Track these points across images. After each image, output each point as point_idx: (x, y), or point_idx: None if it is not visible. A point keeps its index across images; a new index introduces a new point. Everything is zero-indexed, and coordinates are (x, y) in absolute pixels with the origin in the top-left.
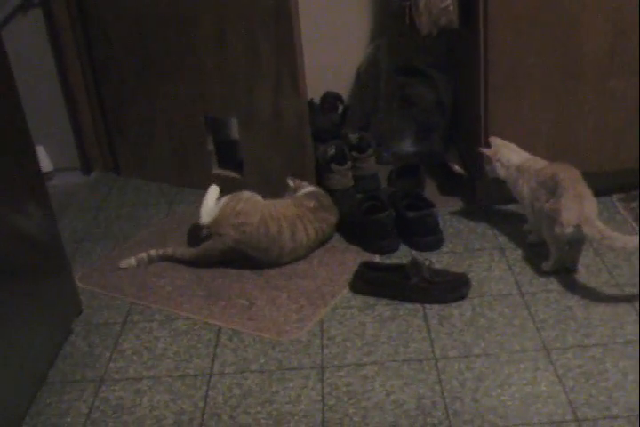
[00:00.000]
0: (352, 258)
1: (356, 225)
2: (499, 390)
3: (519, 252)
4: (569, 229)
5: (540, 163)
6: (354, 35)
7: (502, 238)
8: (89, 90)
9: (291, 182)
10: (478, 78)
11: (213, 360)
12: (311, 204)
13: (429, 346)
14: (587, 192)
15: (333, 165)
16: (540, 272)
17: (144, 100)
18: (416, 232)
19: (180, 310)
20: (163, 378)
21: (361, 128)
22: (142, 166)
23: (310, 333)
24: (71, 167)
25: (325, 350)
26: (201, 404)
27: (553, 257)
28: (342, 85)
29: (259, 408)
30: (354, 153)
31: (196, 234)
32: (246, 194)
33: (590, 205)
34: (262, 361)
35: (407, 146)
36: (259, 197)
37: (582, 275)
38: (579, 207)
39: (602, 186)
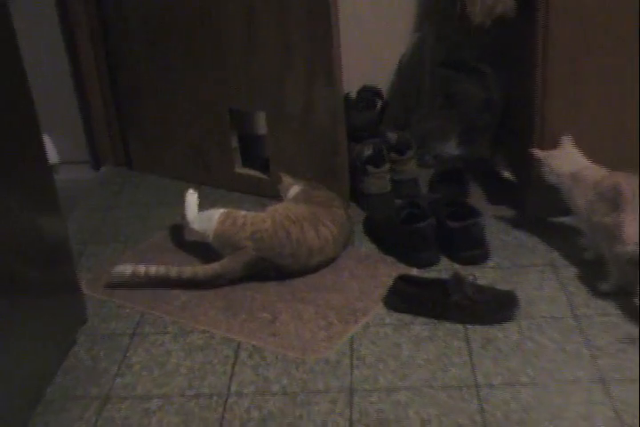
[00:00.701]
0: (387, 271)
1: (392, 234)
2: (547, 425)
3: (573, 270)
4: (631, 247)
5: (599, 172)
6: (396, 23)
7: (555, 254)
8: (102, 76)
9: (285, 179)
10: (534, 76)
11: (231, 379)
12: (319, 197)
13: (470, 372)
14: None
15: (370, 167)
16: (597, 293)
17: (163, 90)
18: (459, 244)
19: (195, 323)
20: (174, 397)
21: (401, 127)
22: (158, 162)
23: (339, 352)
24: (79, 160)
25: (355, 372)
26: None
27: (612, 277)
28: (381, 79)
29: None
30: (392, 154)
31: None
32: (237, 211)
33: None
34: (285, 382)
35: (451, 148)
36: (251, 213)
37: None
38: None
39: None
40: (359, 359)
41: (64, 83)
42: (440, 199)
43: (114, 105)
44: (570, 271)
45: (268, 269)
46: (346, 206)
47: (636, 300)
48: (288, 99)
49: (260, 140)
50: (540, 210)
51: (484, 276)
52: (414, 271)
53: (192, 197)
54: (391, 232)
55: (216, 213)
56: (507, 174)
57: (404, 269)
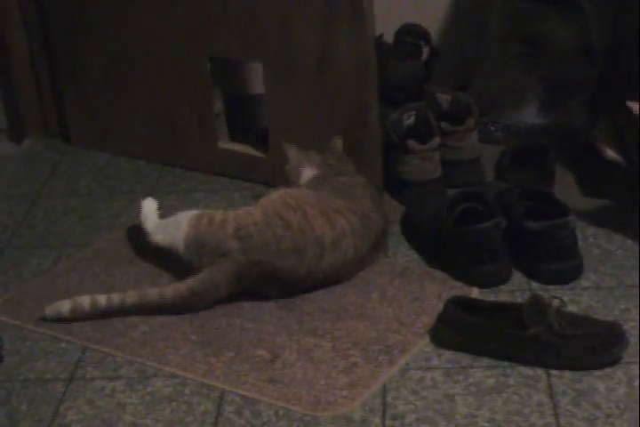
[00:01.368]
0: (435, 290)
1: (442, 239)
2: None
3: None
4: None
5: None
6: None
7: None
8: (27, 13)
9: (292, 154)
10: None
11: None
12: (342, 184)
13: None
14: None
15: (411, 143)
16: None
17: (115, 33)
18: (540, 254)
19: (160, 363)
20: None
21: (457, 86)
22: (107, 134)
23: (366, 407)
24: None
25: None
26: None
27: None
28: (429, 16)
29: None
30: (444, 124)
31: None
32: (215, 211)
33: None
34: None
35: (529, 116)
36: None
37: None
38: None
39: None
40: (395, 418)
41: None
42: (513, 189)
43: (45, 53)
44: None
45: (265, 280)
46: (379, 198)
47: None
48: (295, 44)
49: (254, 104)
50: None
51: (575, 299)
52: (475, 293)
53: (150, 205)
54: (441, 236)
55: (185, 217)
56: (611, 154)
57: (459, 290)
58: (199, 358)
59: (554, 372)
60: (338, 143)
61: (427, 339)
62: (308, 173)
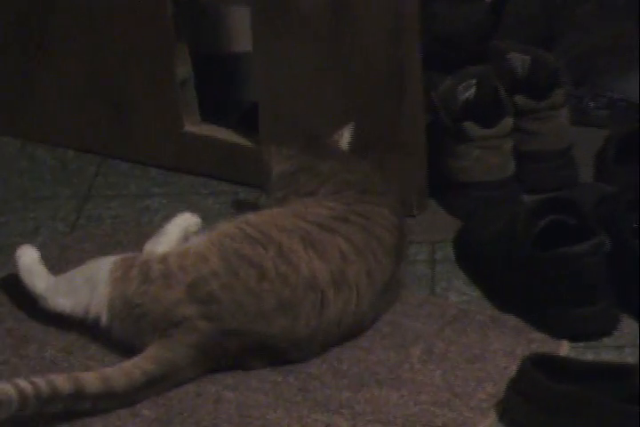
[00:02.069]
0: (504, 345)
1: (517, 268)
2: None
3: None
4: None
5: None
6: None
7: None
8: None
9: (276, 160)
10: None
11: None
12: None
13: None
14: None
15: (470, 126)
16: None
17: None
18: None
19: None
20: None
21: (538, 42)
22: (18, 111)
23: None
24: None
25: None
26: None
27: None
28: None
29: None
30: (519, 98)
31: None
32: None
33: None
34: None
35: None
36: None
37: None
38: None
39: None
40: None
41: None
42: (620, 196)
43: None
44: None
45: (248, 353)
46: (396, 207)
47: None
48: None
49: (237, 68)
50: None
51: None
52: (564, 349)
53: (29, 255)
54: (514, 264)
55: (102, 267)
56: None
57: (541, 344)
58: None
59: None
60: (345, 136)
61: (492, 417)
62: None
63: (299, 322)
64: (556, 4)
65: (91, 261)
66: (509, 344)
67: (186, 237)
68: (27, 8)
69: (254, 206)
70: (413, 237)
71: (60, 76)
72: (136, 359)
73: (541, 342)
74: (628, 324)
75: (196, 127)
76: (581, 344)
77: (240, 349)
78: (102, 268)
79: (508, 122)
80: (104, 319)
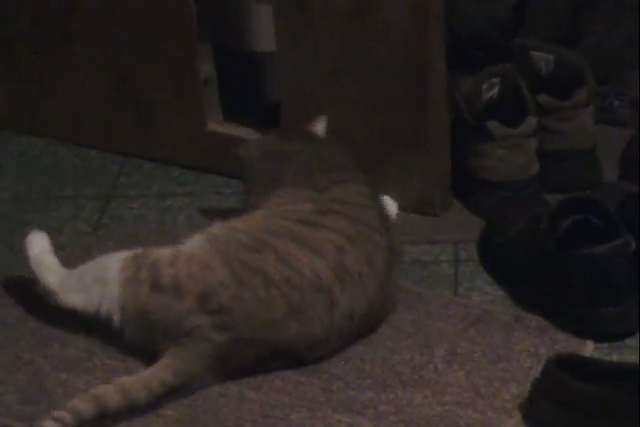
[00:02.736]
0: (528, 345)
1: (541, 269)
2: None
3: None
4: None
5: None
6: None
7: None
8: None
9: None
10: None
11: None
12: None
13: None
14: None
15: (494, 125)
16: None
17: None
18: None
19: None
20: None
21: (561, 40)
22: (40, 110)
23: None
24: None
25: None
26: None
27: None
28: None
29: None
30: (543, 97)
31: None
32: (153, 250)
33: None
34: None
35: None
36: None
37: None
38: None
39: None
40: None
41: None
42: None
43: None
44: None
45: (264, 359)
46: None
47: None
48: None
49: (260, 66)
50: None
51: None
52: (589, 349)
53: (40, 243)
54: (538, 264)
55: (113, 264)
56: None
57: (566, 344)
58: None
59: None
60: (320, 125)
61: (516, 417)
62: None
63: (312, 324)
64: (579, 2)
65: (100, 257)
66: (533, 344)
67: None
68: (49, 7)
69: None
70: (437, 236)
71: (83, 75)
72: (153, 370)
73: (565, 343)
74: None
75: (218, 126)
76: (605, 345)
77: (256, 356)
78: (112, 266)
79: (532, 121)
80: (116, 320)
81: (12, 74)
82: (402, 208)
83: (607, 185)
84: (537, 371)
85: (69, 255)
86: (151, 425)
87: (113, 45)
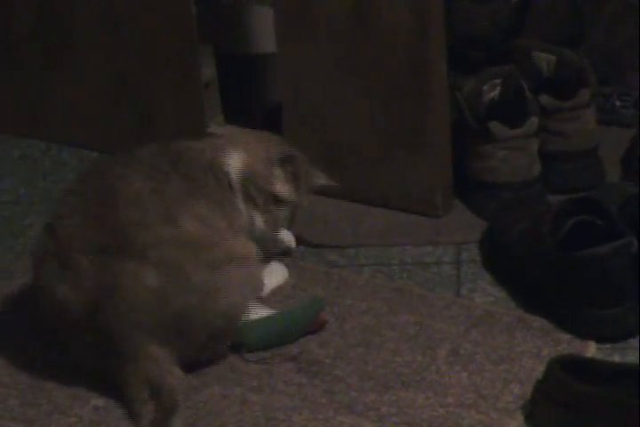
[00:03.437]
0: (531, 346)
1: (543, 269)
2: None
3: None
4: None
5: None
6: None
7: None
8: None
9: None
10: None
11: None
12: None
13: None
14: None
15: (496, 126)
16: None
17: None
18: None
19: None
20: None
21: (563, 41)
22: (42, 113)
23: None
24: None
25: None
26: None
27: None
28: None
29: None
30: (545, 98)
31: None
32: None
33: None
34: None
35: None
36: None
37: None
38: None
39: None
40: None
41: None
42: None
43: None
44: None
45: None
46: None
47: None
48: None
49: (262, 69)
50: None
51: None
52: (591, 350)
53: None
54: (540, 265)
55: None
56: None
57: (567, 345)
58: None
59: None
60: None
61: (519, 419)
62: None
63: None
64: (581, 3)
65: None
66: (536, 345)
67: None
68: (51, 10)
69: None
70: (438, 238)
71: (84, 77)
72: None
73: (568, 344)
74: None
75: (219, 127)
76: (608, 345)
77: None
78: None
79: (534, 122)
80: None
81: (14, 76)
82: (403, 209)
83: (609, 186)
84: (539, 372)
85: None
86: None
87: (114, 48)
